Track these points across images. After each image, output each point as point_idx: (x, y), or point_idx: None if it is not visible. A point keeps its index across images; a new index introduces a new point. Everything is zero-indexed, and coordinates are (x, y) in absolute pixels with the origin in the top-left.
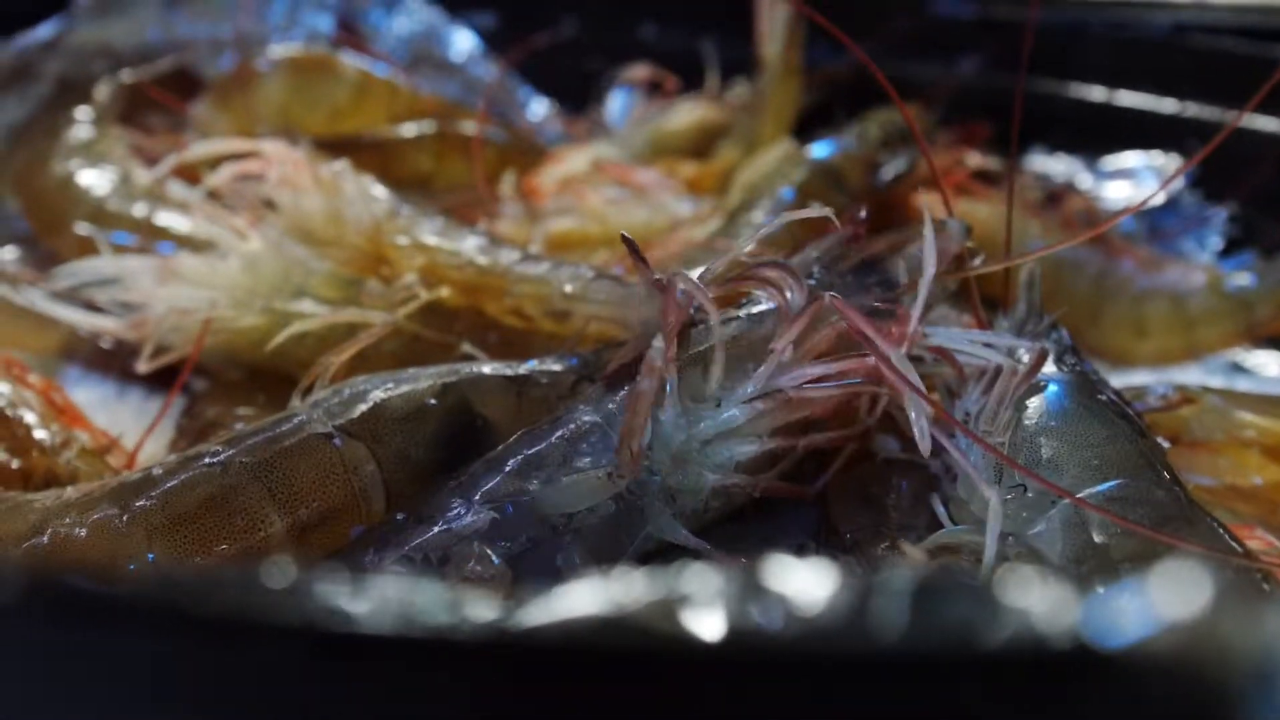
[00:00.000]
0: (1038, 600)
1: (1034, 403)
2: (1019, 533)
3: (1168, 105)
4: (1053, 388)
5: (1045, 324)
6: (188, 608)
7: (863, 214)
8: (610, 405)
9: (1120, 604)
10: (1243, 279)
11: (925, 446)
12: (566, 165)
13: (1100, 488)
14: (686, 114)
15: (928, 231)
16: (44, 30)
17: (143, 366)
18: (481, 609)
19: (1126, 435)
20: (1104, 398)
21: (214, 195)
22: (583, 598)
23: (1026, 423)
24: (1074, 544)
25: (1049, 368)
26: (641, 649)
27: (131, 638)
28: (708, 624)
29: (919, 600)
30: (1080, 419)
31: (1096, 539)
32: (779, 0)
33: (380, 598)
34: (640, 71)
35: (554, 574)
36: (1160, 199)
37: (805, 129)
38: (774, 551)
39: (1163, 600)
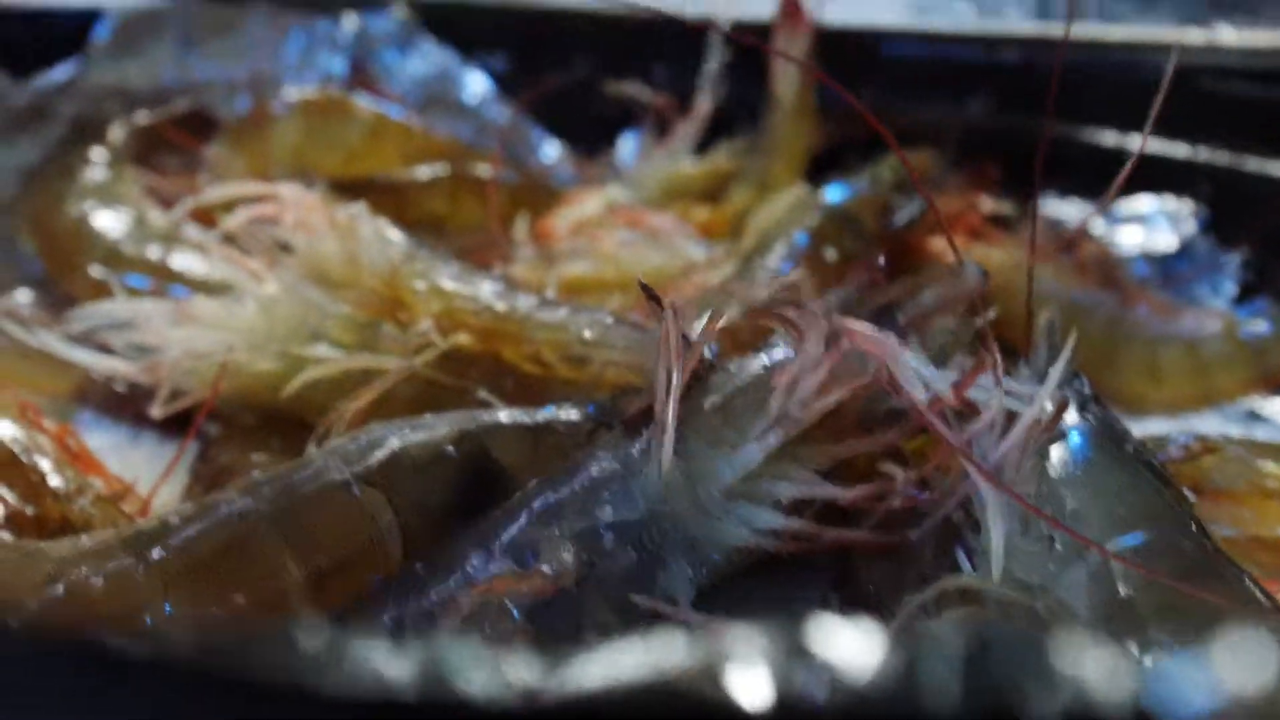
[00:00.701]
0: (1094, 668)
1: (1057, 452)
2: (1048, 585)
3: (1180, 149)
4: (1075, 436)
5: (1066, 371)
6: (221, 670)
7: (881, 260)
8: (628, 453)
9: (1182, 674)
10: (1258, 326)
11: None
12: (580, 208)
13: (1126, 539)
14: (699, 158)
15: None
16: (60, 72)
17: (157, 411)
18: (521, 672)
19: (1151, 485)
20: (1128, 447)
21: (229, 238)
22: (624, 661)
23: (1050, 473)
24: (1101, 597)
25: (1071, 416)
26: (683, 715)
27: (162, 699)
28: (753, 690)
29: (970, 668)
30: (1104, 468)
31: (1123, 592)
32: (791, 43)
33: (418, 660)
34: (651, 113)
35: (575, 626)
36: (1173, 243)
37: (817, 172)
38: (795, 603)
39: (1227, 671)
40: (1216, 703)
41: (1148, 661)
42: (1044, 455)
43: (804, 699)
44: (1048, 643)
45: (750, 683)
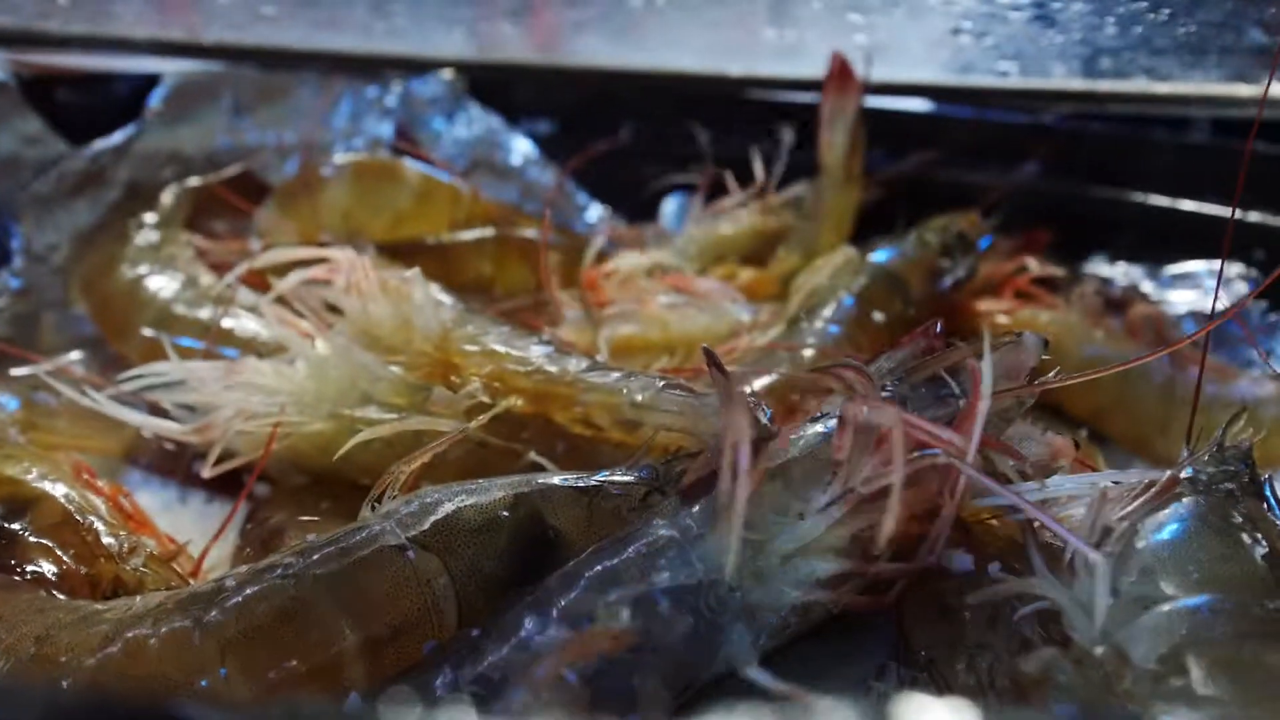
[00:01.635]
0: None
1: (1152, 518)
2: (1109, 633)
3: (1228, 212)
4: (1178, 506)
5: (1231, 457)
6: None
7: (938, 326)
8: (687, 519)
9: None
10: None
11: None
12: (625, 265)
13: (1192, 599)
14: (742, 218)
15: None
16: (116, 137)
17: (207, 471)
18: None
19: (1249, 560)
20: (1240, 521)
21: (281, 301)
22: None
23: (1139, 531)
24: (1157, 647)
25: (1188, 489)
26: None
27: None
28: None
29: None
30: (1197, 535)
31: (1179, 645)
32: (840, 109)
33: None
34: (696, 177)
35: (630, 694)
36: (1224, 306)
37: (862, 235)
38: (853, 669)
39: None
40: None
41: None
42: (1140, 519)
43: None
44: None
45: None
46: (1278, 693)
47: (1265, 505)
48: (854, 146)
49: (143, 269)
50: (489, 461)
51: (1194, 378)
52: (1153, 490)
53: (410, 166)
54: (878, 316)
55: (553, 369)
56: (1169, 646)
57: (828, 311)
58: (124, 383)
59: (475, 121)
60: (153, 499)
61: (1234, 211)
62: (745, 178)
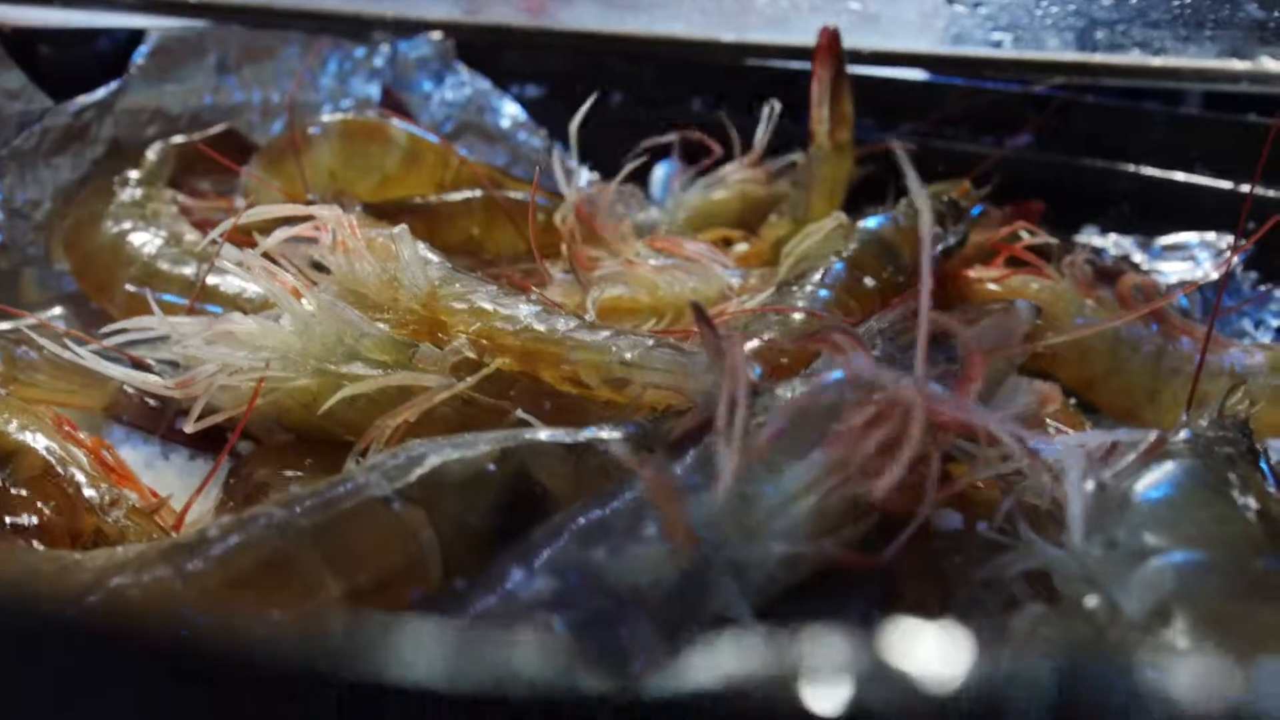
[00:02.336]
0: (1186, 687)
1: (1151, 475)
2: (1104, 585)
3: (1220, 184)
4: (1177, 465)
5: (1229, 424)
6: (263, 663)
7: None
8: (674, 474)
9: (1269, 691)
10: None
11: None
12: (615, 230)
13: (1185, 554)
14: (731, 185)
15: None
16: (99, 93)
17: (190, 426)
18: (598, 679)
19: (1244, 521)
20: (1235, 483)
21: (266, 258)
22: (700, 668)
23: (1134, 487)
24: (1148, 600)
25: (1186, 451)
26: None
27: (204, 689)
28: (829, 701)
29: (1061, 685)
30: (1194, 493)
31: (1170, 598)
32: (832, 78)
33: (494, 663)
34: (685, 143)
35: (619, 648)
36: (1214, 276)
37: (854, 204)
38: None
39: None
40: None
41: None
42: (1140, 478)
43: (883, 711)
44: (1138, 660)
45: (828, 691)
46: (1267, 648)
47: (1260, 473)
48: (844, 116)
49: (126, 225)
50: (477, 420)
51: (1183, 348)
52: (1142, 449)
53: (398, 127)
54: (868, 282)
55: (541, 327)
56: (1160, 600)
57: (818, 276)
58: (107, 337)
59: (464, 84)
60: (135, 455)
61: (1253, 187)
62: (734, 146)
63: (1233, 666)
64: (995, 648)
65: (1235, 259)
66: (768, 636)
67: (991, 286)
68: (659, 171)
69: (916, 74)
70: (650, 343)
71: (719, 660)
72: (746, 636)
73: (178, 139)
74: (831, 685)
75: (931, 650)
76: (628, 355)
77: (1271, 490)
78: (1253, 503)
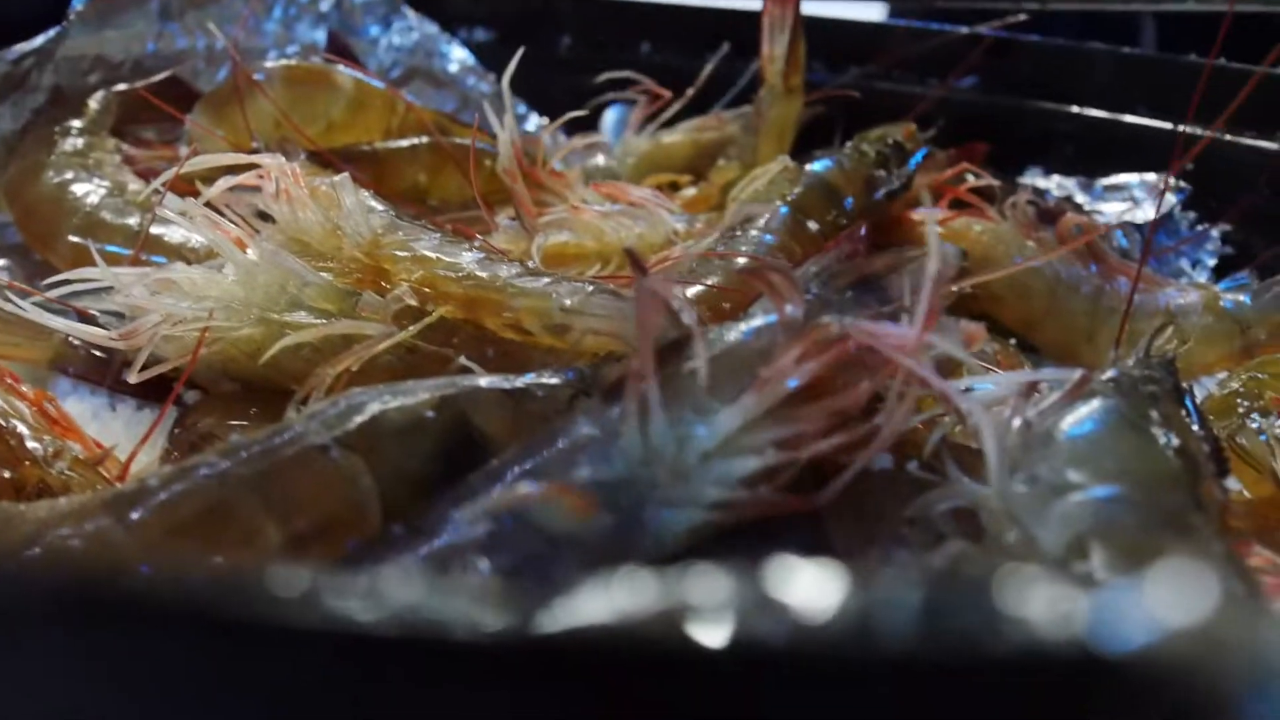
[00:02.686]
0: (1041, 608)
1: (1074, 412)
2: (1022, 520)
3: (1163, 125)
4: (1100, 403)
5: (1156, 364)
6: (201, 610)
7: (862, 232)
8: (608, 417)
9: (1123, 610)
10: (1239, 298)
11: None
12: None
13: (1102, 489)
14: (681, 130)
15: (932, 249)
16: (39, 40)
17: (134, 377)
18: (490, 616)
19: (1163, 457)
20: (1157, 420)
21: (209, 207)
22: (590, 606)
23: (1058, 425)
24: (1065, 534)
25: (1109, 390)
26: (648, 658)
27: (141, 641)
28: (713, 633)
29: (925, 609)
30: (1115, 430)
31: (1085, 532)
32: (782, 22)
33: (391, 603)
34: (636, 89)
35: (550, 586)
36: (1153, 216)
37: (801, 148)
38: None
39: (1164, 607)
40: (1154, 636)
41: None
42: (1061, 416)
43: (763, 641)
44: (997, 585)
45: (712, 625)
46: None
47: (1184, 411)
48: (795, 59)
49: (68, 175)
50: (420, 368)
51: (1121, 289)
52: (1066, 387)
53: (343, 73)
54: (812, 226)
55: (483, 274)
56: (1076, 534)
57: (762, 221)
58: (50, 289)
59: (411, 29)
60: (82, 406)
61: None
62: (685, 90)
63: (1088, 590)
64: (868, 580)
65: (1172, 199)
66: (656, 575)
67: (933, 229)
68: (610, 116)
69: (864, 14)
70: (590, 289)
71: (609, 598)
72: (637, 575)
73: (120, 87)
74: (714, 620)
75: (808, 584)
76: (567, 302)
77: (1194, 428)
78: (1173, 440)
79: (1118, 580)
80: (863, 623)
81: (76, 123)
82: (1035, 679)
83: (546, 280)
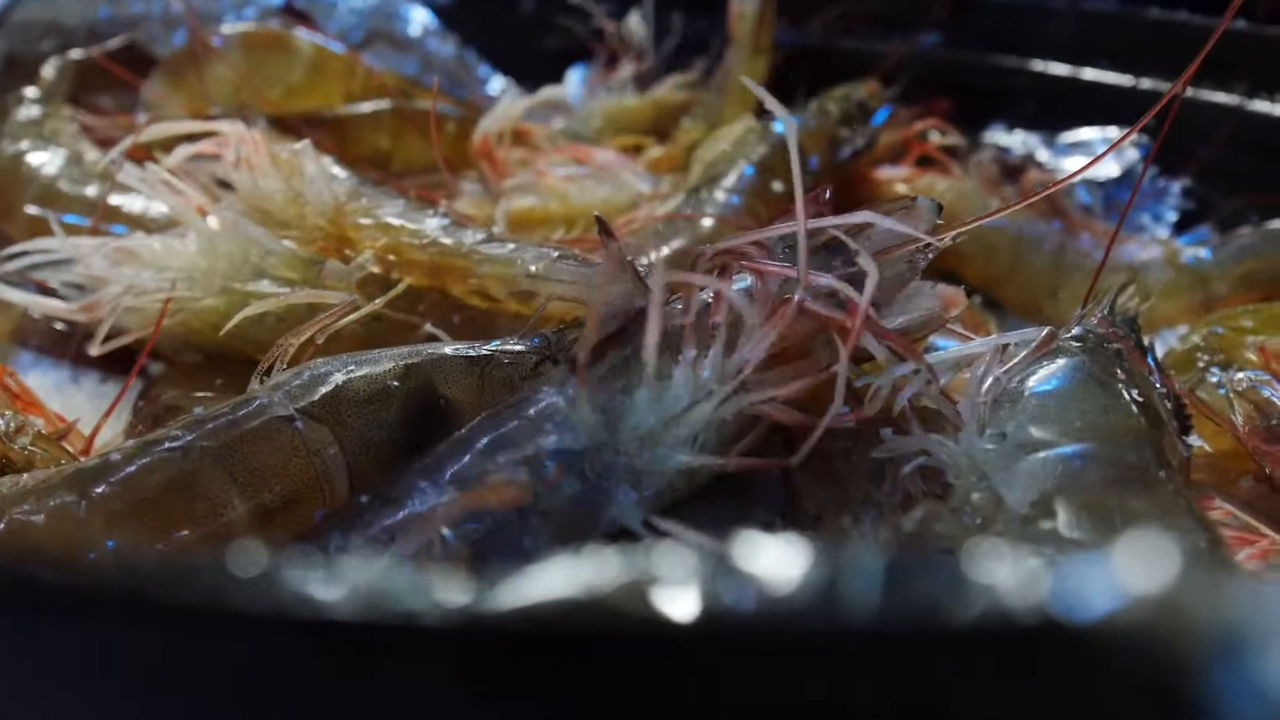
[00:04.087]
0: (1006, 576)
1: (1041, 370)
2: (989, 476)
3: (1125, 80)
4: (1066, 360)
5: (1119, 320)
6: (155, 597)
7: (827, 194)
8: (573, 385)
9: (1087, 578)
10: (1199, 253)
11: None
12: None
13: (1070, 446)
14: (644, 93)
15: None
16: None
17: (95, 349)
18: (452, 593)
19: (1127, 413)
20: (1121, 377)
21: (169, 176)
22: (553, 580)
23: (1025, 382)
24: (1031, 491)
25: (1075, 348)
26: (612, 631)
27: (96, 628)
28: (679, 605)
29: (889, 578)
30: (1081, 387)
31: (1051, 489)
32: None
33: (349, 583)
34: (599, 48)
35: (521, 556)
36: (1115, 172)
37: (763, 108)
38: (742, 529)
39: (1128, 573)
40: (1118, 603)
41: (1058, 560)
42: (1027, 372)
43: (729, 612)
44: (962, 553)
45: (678, 597)
46: (1130, 534)
47: (1148, 367)
48: (764, 18)
49: (24, 145)
50: (386, 336)
51: (1083, 245)
52: (1032, 346)
53: (302, 37)
54: (777, 186)
55: (448, 241)
56: (1042, 491)
57: (728, 181)
58: (7, 262)
59: None
60: (44, 380)
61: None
62: (652, 49)
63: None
64: (833, 549)
65: (1134, 154)
66: (620, 550)
67: (900, 187)
68: (572, 76)
69: None
70: (555, 254)
71: (573, 571)
72: (601, 550)
73: (76, 53)
74: (675, 589)
75: (774, 555)
76: (533, 268)
77: (1156, 384)
78: (1137, 396)
79: (1083, 542)
80: (826, 593)
81: (31, 91)
82: (999, 647)
83: (511, 246)
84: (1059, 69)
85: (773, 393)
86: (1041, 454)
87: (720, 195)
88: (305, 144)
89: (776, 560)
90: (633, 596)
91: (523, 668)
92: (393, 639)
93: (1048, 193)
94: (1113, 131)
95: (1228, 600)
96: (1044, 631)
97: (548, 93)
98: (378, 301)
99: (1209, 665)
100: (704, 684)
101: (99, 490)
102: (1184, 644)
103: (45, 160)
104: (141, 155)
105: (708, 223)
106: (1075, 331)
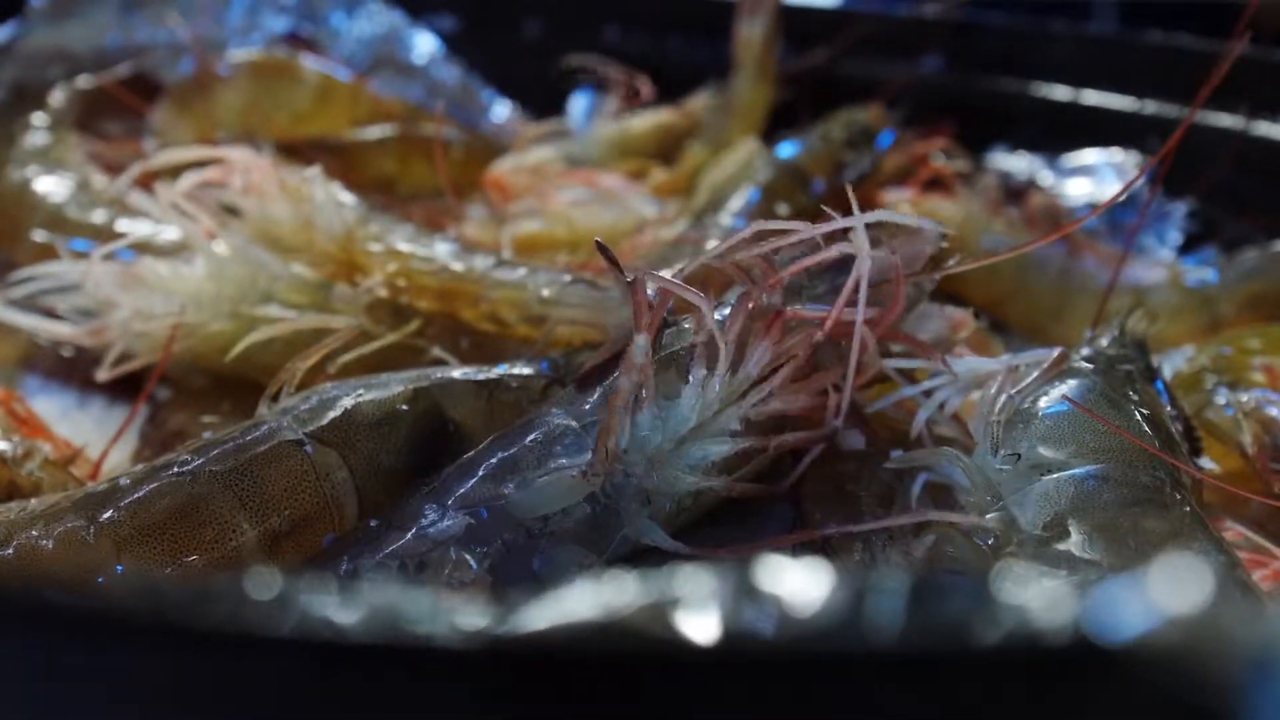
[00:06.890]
0: (1035, 596)
1: (1054, 391)
2: (1003, 497)
3: (1127, 103)
4: (1079, 381)
5: (1129, 343)
6: (173, 621)
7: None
8: (583, 408)
9: (1119, 598)
10: (1204, 274)
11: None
12: (530, 156)
13: (1084, 467)
14: (649, 117)
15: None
16: None
17: (103, 375)
18: (471, 616)
19: (1142, 436)
20: (1133, 398)
21: (177, 202)
22: (575, 602)
23: (1038, 403)
24: (1045, 513)
25: (1086, 369)
26: (634, 654)
27: (113, 652)
28: (701, 627)
29: (914, 600)
30: (1095, 409)
31: (1065, 510)
32: (761, 3)
33: (368, 607)
34: (604, 74)
35: (531, 578)
36: (1120, 196)
37: (769, 130)
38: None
39: (1162, 594)
40: (1151, 625)
41: (1073, 578)
42: (1040, 393)
43: (752, 634)
44: (991, 573)
45: (699, 620)
46: (1148, 554)
47: (1157, 390)
48: (770, 42)
49: (32, 171)
50: (395, 360)
51: (1088, 266)
52: (1044, 366)
53: (308, 64)
54: (782, 209)
55: (458, 266)
56: (1056, 512)
57: (732, 205)
58: (15, 287)
59: (377, 17)
60: (52, 405)
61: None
62: (654, 75)
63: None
64: (855, 570)
65: (1143, 180)
66: (638, 569)
67: (904, 209)
68: (578, 102)
69: None
70: (567, 279)
71: (593, 593)
72: (620, 574)
73: (84, 80)
74: (697, 612)
75: (796, 575)
76: (545, 292)
77: (1165, 406)
78: (1150, 418)
79: (1098, 564)
80: (851, 615)
81: (39, 118)
82: (1029, 669)
83: (523, 271)
84: (1061, 92)
85: (781, 409)
86: (1055, 475)
87: (725, 219)
88: (315, 170)
89: (799, 581)
90: (654, 618)
91: (543, 691)
92: (412, 662)
93: (1070, 228)
94: (1117, 153)
95: (1263, 620)
96: (1076, 652)
97: (555, 124)
98: (390, 336)
99: (1246, 686)
100: (727, 707)
101: (108, 515)
102: (1220, 664)
103: (53, 186)
104: (150, 182)
105: (713, 246)
106: (1086, 353)
